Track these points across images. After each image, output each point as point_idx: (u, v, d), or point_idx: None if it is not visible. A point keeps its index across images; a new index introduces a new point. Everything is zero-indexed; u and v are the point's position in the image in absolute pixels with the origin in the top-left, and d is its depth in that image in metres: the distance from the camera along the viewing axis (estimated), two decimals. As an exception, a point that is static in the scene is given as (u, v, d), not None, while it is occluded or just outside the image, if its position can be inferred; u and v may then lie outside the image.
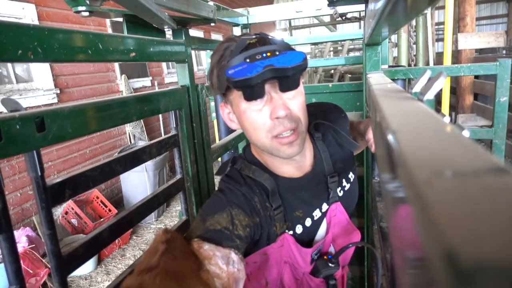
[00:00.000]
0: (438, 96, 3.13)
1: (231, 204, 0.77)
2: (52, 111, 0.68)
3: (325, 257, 0.89)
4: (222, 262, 0.68)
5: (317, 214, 0.89)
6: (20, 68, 3.48)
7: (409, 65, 4.06)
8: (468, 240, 0.09)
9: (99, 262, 3.31)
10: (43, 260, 2.63)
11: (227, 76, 0.67)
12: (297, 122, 0.76)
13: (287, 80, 0.70)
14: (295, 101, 0.76)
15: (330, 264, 0.87)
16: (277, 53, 0.69)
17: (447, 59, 3.09)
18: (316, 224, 0.89)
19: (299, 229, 0.86)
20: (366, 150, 1.64)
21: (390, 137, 0.23)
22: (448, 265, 0.09)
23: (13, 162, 3.09)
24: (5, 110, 0.65)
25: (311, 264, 0.88)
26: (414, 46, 4.15)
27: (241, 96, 0.73)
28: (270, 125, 0.75)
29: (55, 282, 0.74)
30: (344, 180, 0.94)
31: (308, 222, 0.87)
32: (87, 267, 3.13)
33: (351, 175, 0.97)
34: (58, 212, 3.39)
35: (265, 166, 0.86)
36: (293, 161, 0.84)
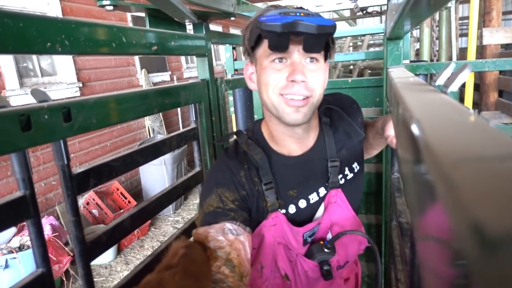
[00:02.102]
0: (461, 93, 3.05)
1: (217, 184, 0.83)
2: (78, 102, 0.70)
3: (321, 242, 0.90)
4: (218, 235, 0.75)
5: (313, 197, 0.89)
6: (45, 62, 3.58)
7: (431, 60, 3.97)
8: (494, 213, 0.09)
9: (119, 252, 3.40)
10: (66, 248, 2.72)
11: (258, 21, 0.71)
12: (311, 92, 0.78)
13: (312, 39, 0.72)
14: (315, 74, 0.79)
15: (325, 250, 0.88)
16: (310, 15, 0.72)
17: (471, 54, 3.00)
18: (312, 207, 0.90)
19: (292, 209, 0.87)
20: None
21: (414, 127, 0.23)
22: (475, 237, 0.09)
23: (38, 153, 3.19)
24: (34, 101, 0.67)
25: (304, 246, 0.89)
26: (437, 41, 4.04)
27: (267, 52, 0.77)
28: (283, 85, 0.78)
29: (79, 267, 0.77)
30: (347, 169, 0.94)
31: (302, 203, 0.88)
32: (107, 257, 3.22)
33: (356, 166, 0.96)
34: (79, 202, 3.48)
35: (267, 140, 0.90)
36: (296, 134, 0.86)
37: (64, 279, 2.76)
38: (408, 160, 0.26)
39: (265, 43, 0.78)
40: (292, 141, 0.88)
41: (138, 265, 0.97)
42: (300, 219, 0.89)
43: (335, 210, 0.91)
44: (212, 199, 0.81)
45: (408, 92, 0.40)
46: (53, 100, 0.67)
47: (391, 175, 1.51)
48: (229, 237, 0.75)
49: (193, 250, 0.67)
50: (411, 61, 1.63)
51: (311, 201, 0.89)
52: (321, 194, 0.90)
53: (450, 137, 0.18)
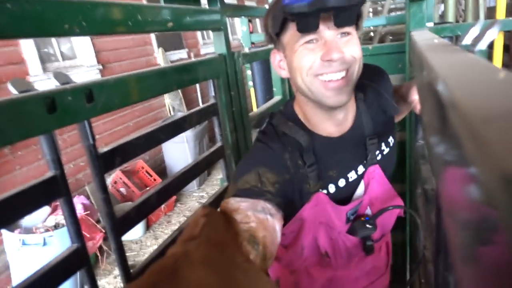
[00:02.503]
0: (489, 55, 2.91)
1: (258, 163, 0.77)
2: (99, 83, 0.71)
3: (362, 218, 0.89)
4: (248, 210, 0.69)
5: (352, 176, 0.88)
6: (65, 46, 3.62)
7: (457, 21, 3.78)
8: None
9: (148, 228, 3.53)
10: (98, 226, 2.84)
11: (282, 4, 0.66)
12: (349, 64, 0.74)
13: (342, 13, 0.68)
14: (351, 47, 0.74)
15: (367, 226, 0.88)
16: None
17: (501, 13, 2.83)
18: (351, 185, 0.88)
19: (332, 188, 0.85)
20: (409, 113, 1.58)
21: (440, 86, 0.22)
22: (508, 189, 0.09)
23: (64, 136, 3.29)
24: (57, 84, 0.69)
25: (346, 224, 0.88)
26: (463, 0, 3.83)
27: (296, 36, 0.73)
28: (318, 65, 0.73)
29: (111, 242, 0.80)
30: (383, 144, 0.92)
31: (341, 182, 0.86)
32: (137, 232, 3.35)
33: (391, 139, 0.95)
34: (107, 181, 3.61)
35: (303, 123, 0.85)
36: (335, 118, 0.83)
37: (99, 254, 2.91)
38: (434, 122, 0.25)
39: (292, 27, 0.74)
40: (331, 124, 0.84)
41: (166, 239, 1.00)
42: (339, 197, 0.87)
43: (374, 186, 0.90)
44: (250, 176, 0.76)
45: (433, 53, 0.38)
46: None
47: (415, 143, 1.48)
48: (259, 215, 0.70)
49: (213, 217, 0.64)
50: (435, 24, 1.56)
51: (350, 180, 0.88)
52: (360, 172, 0.89)
53: (478, 94, 0.18)
